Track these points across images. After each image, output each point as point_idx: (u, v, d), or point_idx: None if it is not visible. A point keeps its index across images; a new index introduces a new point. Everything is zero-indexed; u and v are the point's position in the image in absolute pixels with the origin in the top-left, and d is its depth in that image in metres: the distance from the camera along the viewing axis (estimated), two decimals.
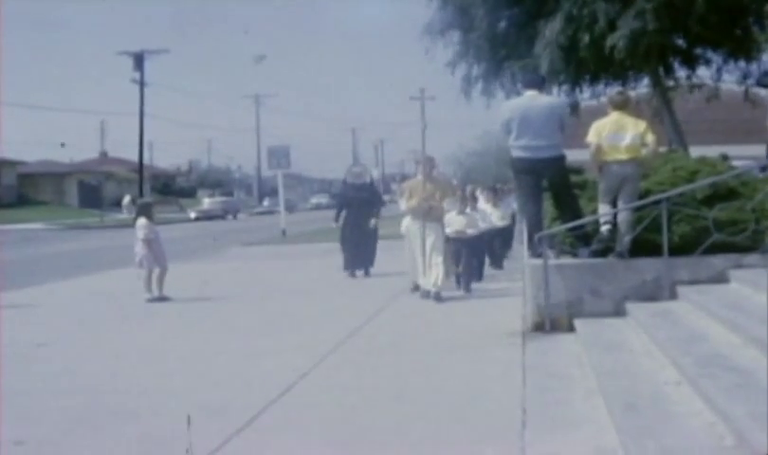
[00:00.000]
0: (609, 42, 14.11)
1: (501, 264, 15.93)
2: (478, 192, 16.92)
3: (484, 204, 15.75)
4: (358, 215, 15.44)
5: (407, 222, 12.42)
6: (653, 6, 13.86)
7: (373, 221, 15.40)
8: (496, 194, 16.93)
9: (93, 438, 5.91)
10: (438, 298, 11.58)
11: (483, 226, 13.68)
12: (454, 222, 12.40)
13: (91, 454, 5.62)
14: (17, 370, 8.23)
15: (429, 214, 11.88)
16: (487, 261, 14.97)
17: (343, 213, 15.82)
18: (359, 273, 15.33)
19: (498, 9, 15.75)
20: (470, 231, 12.67)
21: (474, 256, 13.00)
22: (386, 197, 25.05)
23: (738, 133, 24.45)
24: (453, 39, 16.96)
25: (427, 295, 11.78)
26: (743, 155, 16.66)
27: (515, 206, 17.63)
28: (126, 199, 60.37)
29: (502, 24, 16.08)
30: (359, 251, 15.39)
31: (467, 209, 13.09)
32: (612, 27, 14.22)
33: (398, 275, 13.38)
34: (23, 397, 7.09)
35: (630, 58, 14.58)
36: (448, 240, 12.27)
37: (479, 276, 13.47)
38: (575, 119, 14.71)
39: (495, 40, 16.12)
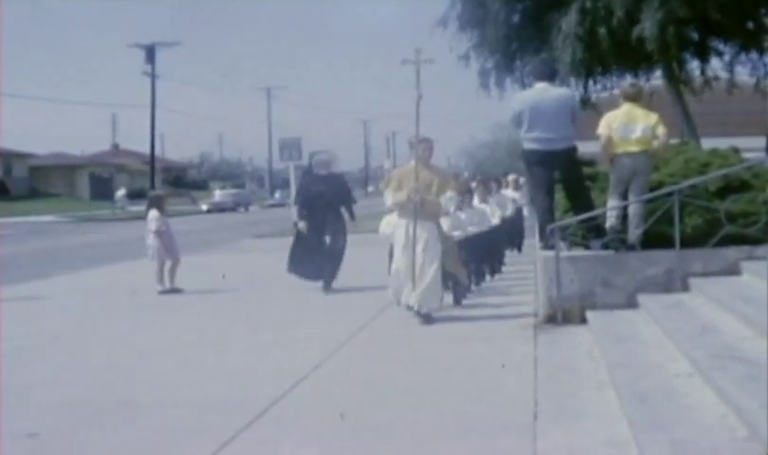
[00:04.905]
0: (635, 32, 14.00)
1: (498, 268, 13.67)
2: (473, 185, 14.25)
3: (478, 202, 12.86)
4: (325, 214, 12.51)
5: (391, 220, 9.99)
6: None
7: (348, 224, 12.70)
8: (487, 189, 14.20)
9: (105, 430, 5.94)
10: (428, 319, 9.36)
11: (473, 230, 11.44)
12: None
13: (103, 446, 5.64)
14: (30, 362, 8.30)
15: (422, 211, 9.36)
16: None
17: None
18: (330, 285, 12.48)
19: (512, 2, 15.72)
20: (456, 234, 10.68)
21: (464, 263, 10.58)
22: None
23: (749, 125, 24.34)
24: (468, 32, 16.98)
25: (414, 313, 9.47)
26: (755, 148, 16.61)
27: (512, 202, 16.83)
28: (120, 192, 60.73)
29: (516, 16, 16.06)
30: (322, 258, 12.46)
31: (452, 209, 10.60)
32: (630, 18, 14.13)
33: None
34: (36, 389, 7.13)
35: (657, 48, 14.45)
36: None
37: (465, 289, 11.03)
38: (588, 111, 14.67)
39: (509, 33, 16.10)
